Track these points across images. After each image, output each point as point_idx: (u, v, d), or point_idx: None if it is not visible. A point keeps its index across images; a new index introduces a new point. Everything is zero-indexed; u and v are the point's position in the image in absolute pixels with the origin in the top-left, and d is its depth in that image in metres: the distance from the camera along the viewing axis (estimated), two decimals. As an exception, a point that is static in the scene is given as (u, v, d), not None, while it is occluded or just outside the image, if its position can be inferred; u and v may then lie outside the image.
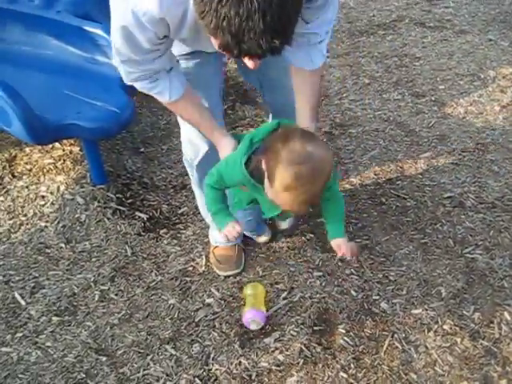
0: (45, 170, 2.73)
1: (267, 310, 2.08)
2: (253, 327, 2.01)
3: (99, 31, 2.55)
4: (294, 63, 1.75)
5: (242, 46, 1.17)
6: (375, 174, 2.67)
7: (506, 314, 2.03)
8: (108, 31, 2.49)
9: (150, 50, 1.52)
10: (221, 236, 1.83)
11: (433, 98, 3.20)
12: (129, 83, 1.68)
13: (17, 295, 2.22)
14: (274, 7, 1.09)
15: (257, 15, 1.08)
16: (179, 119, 1.96)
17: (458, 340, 1.95)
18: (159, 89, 1.67)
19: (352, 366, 1.90)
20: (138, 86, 1.68)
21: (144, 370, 1.94)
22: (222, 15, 1.11)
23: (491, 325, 2.00)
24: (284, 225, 2.41)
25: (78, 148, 2.80)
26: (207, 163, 1.91)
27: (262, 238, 2.36)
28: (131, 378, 1.92)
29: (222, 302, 2.15)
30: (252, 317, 2.01)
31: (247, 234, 2.34)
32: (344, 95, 3.27)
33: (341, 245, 1.75)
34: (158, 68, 1.62)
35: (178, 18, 1.42)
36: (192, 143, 1.99)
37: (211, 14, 1.13)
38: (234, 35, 1.14)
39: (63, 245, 2.41)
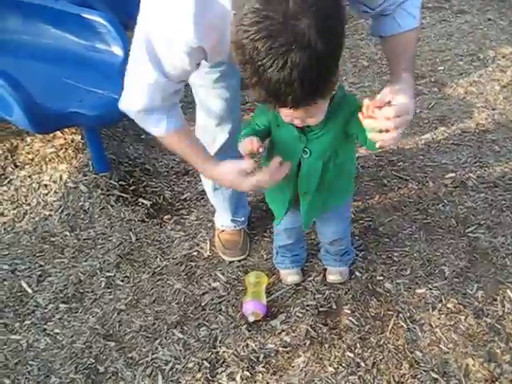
0: (47, 159, 2.73)
1: (272, 294, 2.10)
2: (251, 319, 1.99)
3: (98, 19, 2.54)
4: (382, 32, 1.58)
5: (279, 104, 1.18)
6: (376, 156, 2.68)
7: (508, 291, 2.04)
8: (107, 19, 2.53)
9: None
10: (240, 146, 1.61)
11: (432, 79, 3.20)
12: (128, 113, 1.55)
13: (24, 284, 2.23)
14: (313, 73, 1.09)
15: (296, 83, 1.09)
16: (197, 103, 1.93)
17: (462, 318, 1.97)
18: (156, 116, 1.53)
19: (358, 345, 1.92)
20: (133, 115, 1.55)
21: (152, 353, 1.96)
22: (262, 78, 1.10)
23: (494, 302, 2.01)
24: (333, 277, 2.13)
25: (80, 136, 2.80)
26: (225, 152, 1.89)
27: (292, 277, 2.15)
28: (140, 362, 1.94)
29: (228, 285, 2.17)
30: (252, 308, 2.00)
31: (282, 270, 2.16)
32: (343, 78, 3.26)
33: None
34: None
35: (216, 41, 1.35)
36: (208, 131, 1.95)
37: (252, 70, 1.12)
38: (272, 96, 1.15)
39: (68, 233, 2.43)
